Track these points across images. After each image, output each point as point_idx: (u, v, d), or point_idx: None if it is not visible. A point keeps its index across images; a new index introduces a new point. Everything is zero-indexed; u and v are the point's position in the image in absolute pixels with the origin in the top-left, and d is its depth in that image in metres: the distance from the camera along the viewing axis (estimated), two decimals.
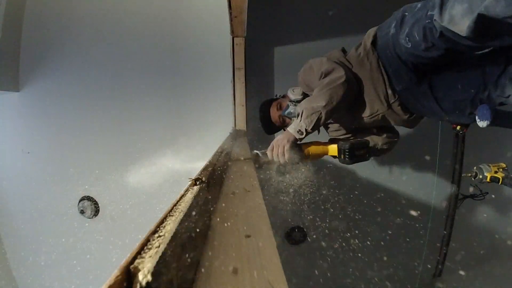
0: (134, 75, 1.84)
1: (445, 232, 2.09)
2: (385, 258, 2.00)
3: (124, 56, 1.82)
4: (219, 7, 1.73)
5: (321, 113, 1.03)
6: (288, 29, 1.90)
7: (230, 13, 1.37)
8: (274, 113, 1.35)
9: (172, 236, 0.26)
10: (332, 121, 1.35)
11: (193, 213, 0.34)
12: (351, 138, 1.33)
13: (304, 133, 1.05)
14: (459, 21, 0.72)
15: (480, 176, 1.35)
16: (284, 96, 1.36)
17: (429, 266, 2.14)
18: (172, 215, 0.32)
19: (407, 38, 0.90)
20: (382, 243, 2.00)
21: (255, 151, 1.15)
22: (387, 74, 1.06)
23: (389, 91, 1.08)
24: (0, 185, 1.92)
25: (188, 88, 1.85)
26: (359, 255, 1.95)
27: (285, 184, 1.17)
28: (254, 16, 1.61)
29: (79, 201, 1.88)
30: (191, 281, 0.29)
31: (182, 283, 0.26)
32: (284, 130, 1.28)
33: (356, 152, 1.09)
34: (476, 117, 0.89)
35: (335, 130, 1.39)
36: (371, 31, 1.09)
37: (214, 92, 1.85)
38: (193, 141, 1.78)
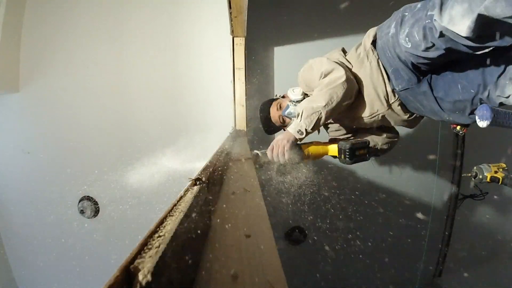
0: (134, 74, 1.84)
1: (445, 233, 2.09)
2: (385, 258, 2.00)
3: (124, 56, 1.82)
4: (219, 7, 1.73)
5: (321, 113, 1.03)
6: (288, 29, 1.90)
7: (230, 13, 1.37)
8: (274, 113, 1.35)
9: (172, 236, 0.26)
10: (332, 121, 1.35)
11: (193, 213, 0.34)
12: (351, 138, 1.33)
13: (304, 133, 1.05)
14: (459, 21, 0.72)
15: (480, 176, 1.35)
16: (284, 96, 1.36)
17: (430, 268, 2.14)
18: (172, 215, 0.32)
19: (407, 38, 0.90)
20: (382, 243, 2.00)
21: (255, 151, 1.15)
22: (387, 74, 1.06)
23: (389, 91, 1.08)
24: (0, 185, 1.92)
25: (188, 88, 1.85)
26: (359, 255, 1.95)
27: (285, 184, 1.17)
28: (254, 16, 1.61)
29: (79, 201, 1.88)
30: (191, 281, 0.29)
31: (182, 283, 0.26)
32: (284, 130, 1.28)
33: (356, 152, 1.09)
34: (476, 117, 0.89)
35: (335, 130, 1.39)
36: (371, 31, 1.10)
37: (214, 92, 1.85)
38: (193, 141, 1.78)
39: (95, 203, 1.88)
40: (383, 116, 1.14)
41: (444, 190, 2.08)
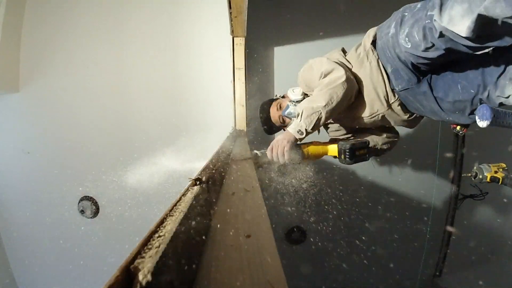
0: (134, 74, 1.84)
1: (445, 233, 2.09)
2: (385, 258, 2.00)
3: (124, 56, 1.82)
4: (219, 7, 1.73)
5: (321, 113, 1.03)
6: (288, 29, 1.90)
7: (230, 13, 1.37)
8: (274, 113, 1.35)
9: (172, 236, 0.26)
10: (332, 121, 1.35)
11: (193, 213, 0.34)
12: (351, 138, 1.33)
13: (304, 133, 1.05)
14: (458, 21, 0.72)
15: (480, 176, 1.35)
16: (284, 96, 1.36)
17: (430, 268, 2.14)
18: (172, 215, 0.32)
19: (407, 38, 0.90)
20: (382, 243, 2.00)
21: (255, 151, 1.15)
22: (387, 74, 1.06)
23: (389, 91, 1.08)
24: (0, 185, 1.92)
25: (188, 88, 1.85)
26: (359, 255, 1.95)
27: (285, 184, 1.17)
28: (254, 16, 1.61)
29: (79, 201, 1.88)
30: (191, 281, 0.29)
31: (182, 283, 0.26)
32: (284, 130, 1.28)
33: (356, 152, 1.09)
34: (476, 117, 0.89)
35: (335, 130, 1.39)
36: (371, 31, 1.10)
37: (214, 92, 1.85)
38: (193, 141, 1.78)
39: (95, 203, 1.88)
40: (383, 116, 1.14)
41: (444, 190, 2.08)
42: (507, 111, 0.86)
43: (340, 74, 1.04)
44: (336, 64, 1.08)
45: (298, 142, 1.11)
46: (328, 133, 1.44)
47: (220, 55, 1.80)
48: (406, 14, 0.94)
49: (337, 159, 1.14)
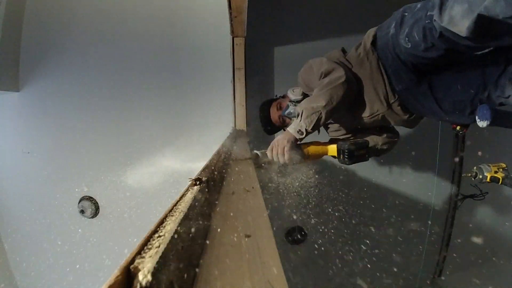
0: (134, 75, 1.84)
1: (445, 233, 2.09)
2: (385, 258, 2.00)
3: (124, 56, 1.82)
4: (219, 7, 1.73)
5: (321, 113, 1.03)
6: (288, 29, 1.90)
7: (230, 13, 1.37)
8: (274, 113, 1.35)
9: (172, 236, 0.26)
10: (332, 121, 1.35)
11: (193, 213, 0.34)
12: (351, 138, 1.33)
13: (304, 133, 1.05)
14: (458, 21, 0.72)
15: (480, 176, 1.35)
16: (284, 96, 1.36)
17: (430, 268, 2.14)
18: (172, 215, 0.32)
19: (407, 38, 0.90)
20: (382, 243, 2.00)
21: (255, 151, 1.15)
22: (387, 74, 1.06)
23: (389, 91, 1.08)
24: (0, 185, 1.92)
25: (188, 88, 1.85)
26: (359, 255, 1.95)
27: (285, 184, 1.17)
28: (254, 16, 1.61)
29: (79, 201, 1.88)
30: (191, 281, 0.29)
31: (182, 283, 0.26)
32: (284, 130, 1.28)
33: (355, 152, 1.09)
34: (476, 117, 0.89)
35: (335, 130, 1.39)
36: (371, 31, 1.09)
37: (214, 92, 1.85)
38: (193, 141, 1.78)
39: (95, 203, 1.88)
40: (383, 116, 1.14)
41: (444, 190, 2.08)
42: (507, 111, 0.86)
43: (340, 74, 1.03)
44: (336, 64, 1.08)
45: (298, 142, 1.11)
46: (328, 133, 1.44)
47: (220, 55, 1.80)
48: (406, 14, 0.94)
49: (337, 159, 1.14)
